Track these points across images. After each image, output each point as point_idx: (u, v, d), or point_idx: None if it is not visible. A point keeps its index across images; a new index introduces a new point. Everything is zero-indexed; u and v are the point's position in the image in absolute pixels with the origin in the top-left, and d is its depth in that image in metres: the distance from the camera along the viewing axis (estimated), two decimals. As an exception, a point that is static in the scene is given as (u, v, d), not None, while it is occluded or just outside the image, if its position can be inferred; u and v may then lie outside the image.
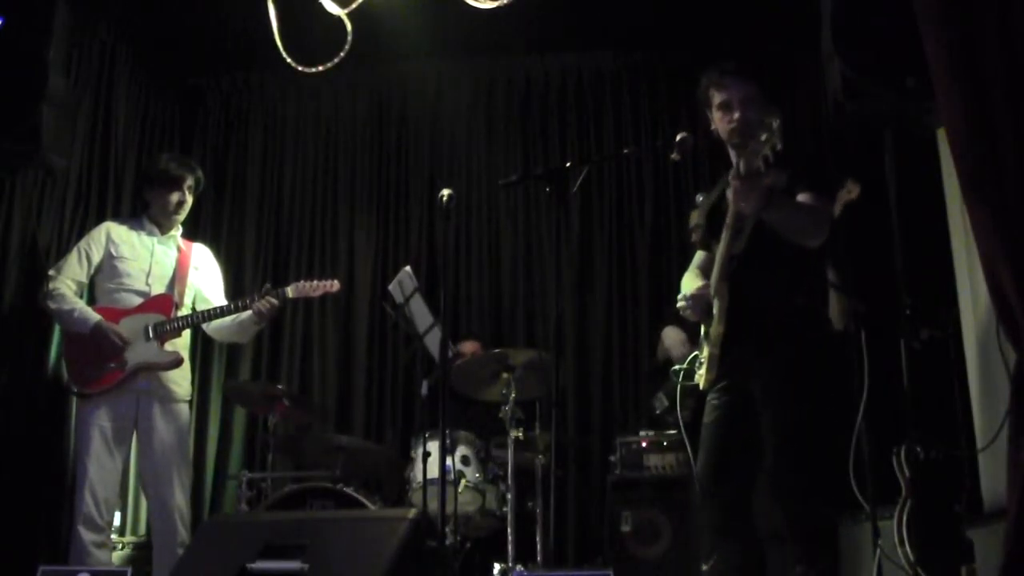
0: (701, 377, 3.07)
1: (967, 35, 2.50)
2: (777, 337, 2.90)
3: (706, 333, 3.04)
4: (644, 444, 4.31)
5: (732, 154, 3.13)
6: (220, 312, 4.02)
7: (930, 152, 3.50)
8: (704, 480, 3.00)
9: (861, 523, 3.76)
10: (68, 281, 3.95)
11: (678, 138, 3.04)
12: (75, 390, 3.88)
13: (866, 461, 3.76)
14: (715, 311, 2.95)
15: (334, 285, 4.17)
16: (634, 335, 5.28)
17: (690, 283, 3.16)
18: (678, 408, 4.21)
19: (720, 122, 3.07)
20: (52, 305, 3.91)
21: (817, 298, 3.07)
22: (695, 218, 3.24)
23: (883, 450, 3.81)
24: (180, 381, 4.03)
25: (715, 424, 3.03)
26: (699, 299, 3.03)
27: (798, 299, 2.94)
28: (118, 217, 4.42)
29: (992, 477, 3.15)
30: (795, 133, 5.33)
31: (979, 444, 3.29)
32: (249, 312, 4.02)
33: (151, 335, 3.91)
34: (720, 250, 2.95)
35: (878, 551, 3.39)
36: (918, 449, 3.59)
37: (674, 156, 3.06)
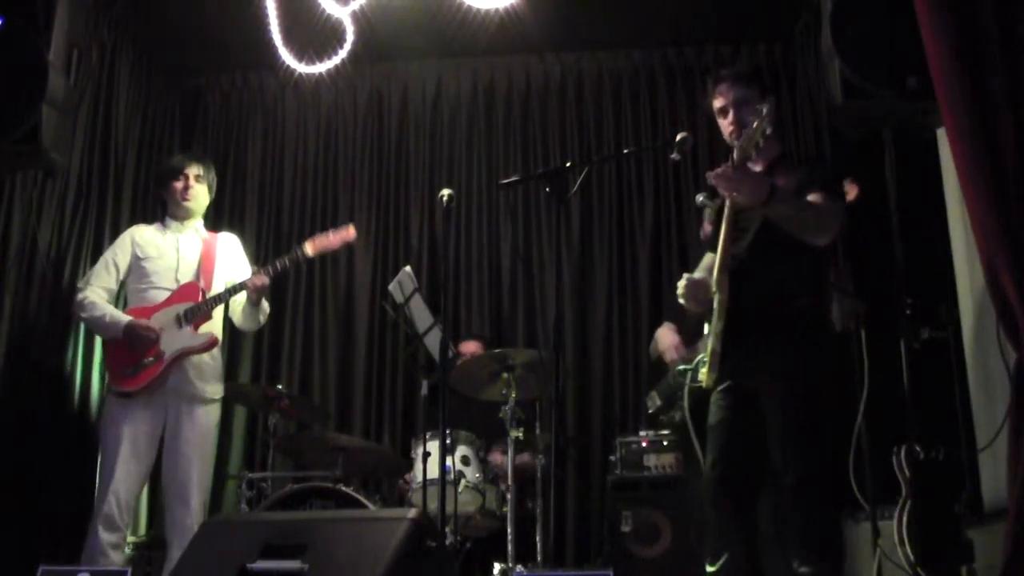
0: (704, 376, 3.08)
1: (967, 36, 2.50)
2: (779, 337, 2.90)
3: (709, 330, 3.05)
4: (644, 444, 4.31)
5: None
6: (234, 290, 4.07)
7: (930, 152, 3.50)
8: (714, 482, 3.00)
9: (861, 523, 3.77)
10: (98, 290, 4.06)
11: (678, 138, 3.06)
12: (117, 391, 3.93)
13: (866, 461, 3.76)
14: (716, 305, 2.96)
15: (350, 231, 4.19)
16: (634, 335, 5.27)
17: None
18: (654, 403, 4.21)
19: (723, 127, 3.15)
20: (83, 315, 4.03)
21: (821, 299, 3.07)
22: (707, 217, 3.29)
23: (883, 450, 3.81)
24: (211, 380, 4.08)
25: (721, 426, 3.04)
26: (698, 285, 3.03)
27: (801, 299, 2.95)
28: (141, 224, 4.44)
29: (992, 477, 3.16)
30: (804, 135, 5.36)
31: (979, 444, 3.29)
32: (244, 304, 4.15)
33: (183, 322, 3.97)
34: (720, 243, 2.97)
35: (878, 551, 3.39)
36: (918, 449, 3.59)
37: (674, 156, 3.08)
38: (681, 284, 3.08)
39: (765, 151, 3.05)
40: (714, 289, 2.98)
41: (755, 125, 2.80)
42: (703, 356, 3.10)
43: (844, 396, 3.87)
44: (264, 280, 4.06)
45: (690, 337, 4.05)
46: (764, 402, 2.92)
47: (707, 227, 3.29)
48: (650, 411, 4.28)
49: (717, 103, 3.15)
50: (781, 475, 2.86)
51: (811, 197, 2.93)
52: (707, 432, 3.12)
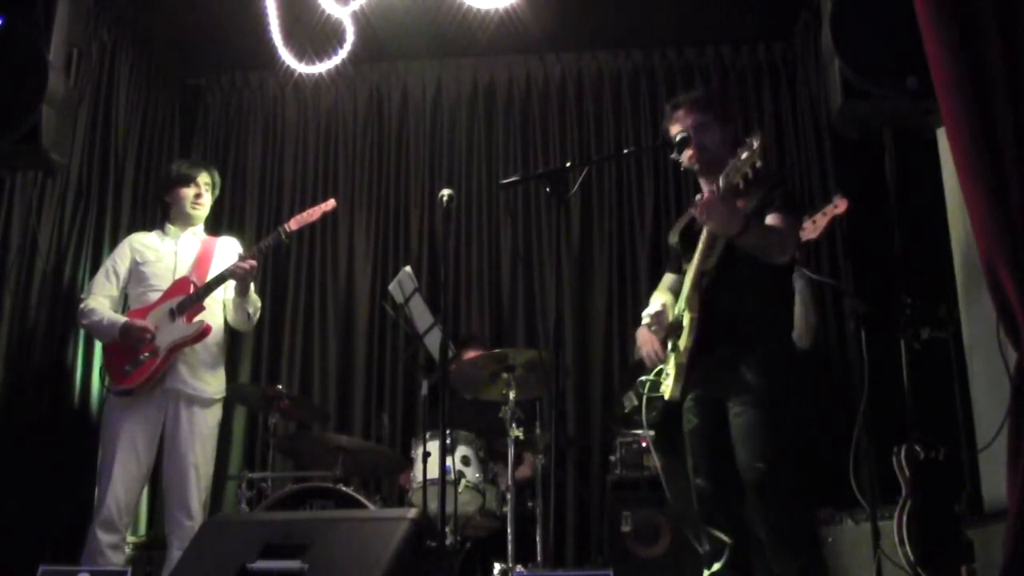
0: (667, 388, 3.08)
1: (967, 35, 2.51)
2: (749, 347, 2.93)
3: (674, 346, 3.06)
4: (644, 444, 4.31)
5: (701, 181, 3.19)
6: (223, 277, 4.05)
7: (930, 152, 3.50)
8: (702, 499, 3.01)
9: (861, 523, 3.77)
10: (100, 298, 4.08)
11: (678, 138, 3.05)
12: (117, 390, 3.93)
13: (866, 461, 3.76)
14: (685, 323, 2.97)
15: (330, 203, 4.23)
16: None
17: (657, 300, 3.24)
18: (643, 411, 4.20)
19: (682, 154, 3.12)
20: (84, 321, 4.08)
21: (784, 310, 3.14)
22: (671, 239, 3.30)
23: (883, 450, 3.82)
24: (209, 379, 4.08)
25: (695, 435, 3.05)
26: (660, 316, 3.12)
27: (767, 312, 2.99)
28: (140, 231, 4.44)
29: (992, 477, 3.15)
30: (804, 135, 5.37)
31: (979, 444, 3.28)
32: (233, 296, 4.14)
33: (176, 315, 3.98)
34: (693, 263, 2.99)
35: (878, 551, 3.39)
36: (918, 449, 3.59)
37: (674, 156, 3.08)
38: (647, 319, 3.15)
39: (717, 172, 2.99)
40: (682, 307, 3.00)
41: (744, 157, 2.74)
42: (666, 368, 3.10)
43: (817, 401, 3.84)
44: (251, 263, 4.04)
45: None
46: (730, 411, 2.93)
47: (671, 240, 3.29)
48: (625, 411, 4.27)
49: (674, 129, 3.12)
50: (748, 481, 2.86)
51: (770, 219, 2.94)
52: (686, 440, 3.12)
